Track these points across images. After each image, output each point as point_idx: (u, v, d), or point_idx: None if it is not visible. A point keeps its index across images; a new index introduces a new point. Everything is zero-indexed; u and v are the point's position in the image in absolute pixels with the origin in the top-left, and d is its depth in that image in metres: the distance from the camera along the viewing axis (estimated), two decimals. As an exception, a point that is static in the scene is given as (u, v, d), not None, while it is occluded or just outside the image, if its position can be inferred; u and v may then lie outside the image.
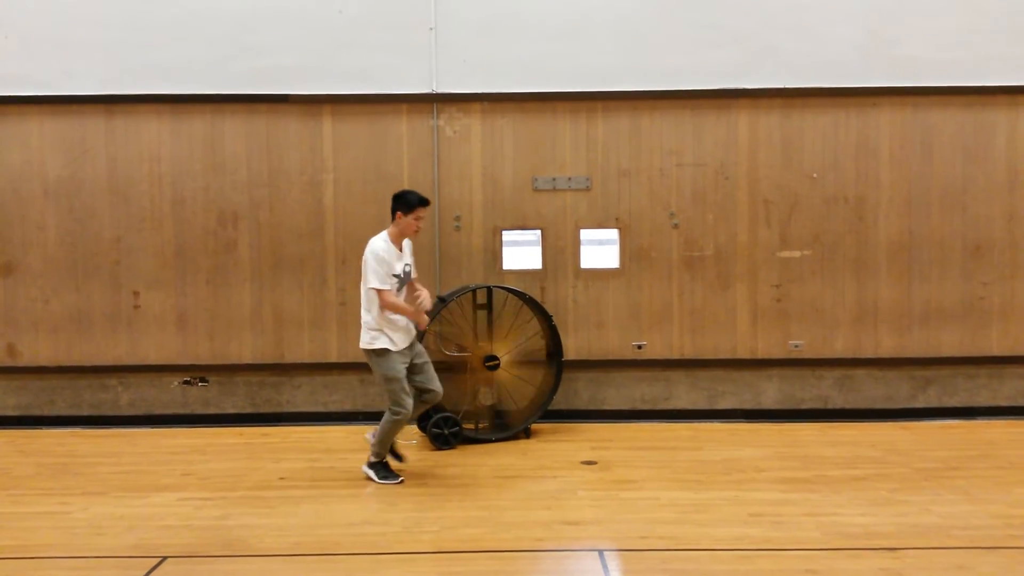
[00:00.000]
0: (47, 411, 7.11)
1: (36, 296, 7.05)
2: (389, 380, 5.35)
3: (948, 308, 7.04)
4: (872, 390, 7.11)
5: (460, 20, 6.95)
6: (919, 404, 7.10)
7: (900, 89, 6.95)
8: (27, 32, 6.92)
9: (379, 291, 5.28)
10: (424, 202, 5.43)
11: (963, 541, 4.44)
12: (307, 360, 7.07)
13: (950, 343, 7.05)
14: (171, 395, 7.12)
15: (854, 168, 7.02)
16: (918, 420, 6.99)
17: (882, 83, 6.95)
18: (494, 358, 6.58)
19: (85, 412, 7.11)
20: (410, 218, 5.39)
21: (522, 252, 7.30)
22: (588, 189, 7.04)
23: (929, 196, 7.02)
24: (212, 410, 7.12)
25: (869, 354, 7.07)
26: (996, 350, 7.06)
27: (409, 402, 5.38)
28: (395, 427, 5.45)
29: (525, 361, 6.77)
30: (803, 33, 6.95)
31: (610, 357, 7.08)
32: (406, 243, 5.56)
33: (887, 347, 7.07)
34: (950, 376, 7.09)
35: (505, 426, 6.62)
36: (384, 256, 5.31)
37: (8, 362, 7.07)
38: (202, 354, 7.07)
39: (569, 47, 6.96)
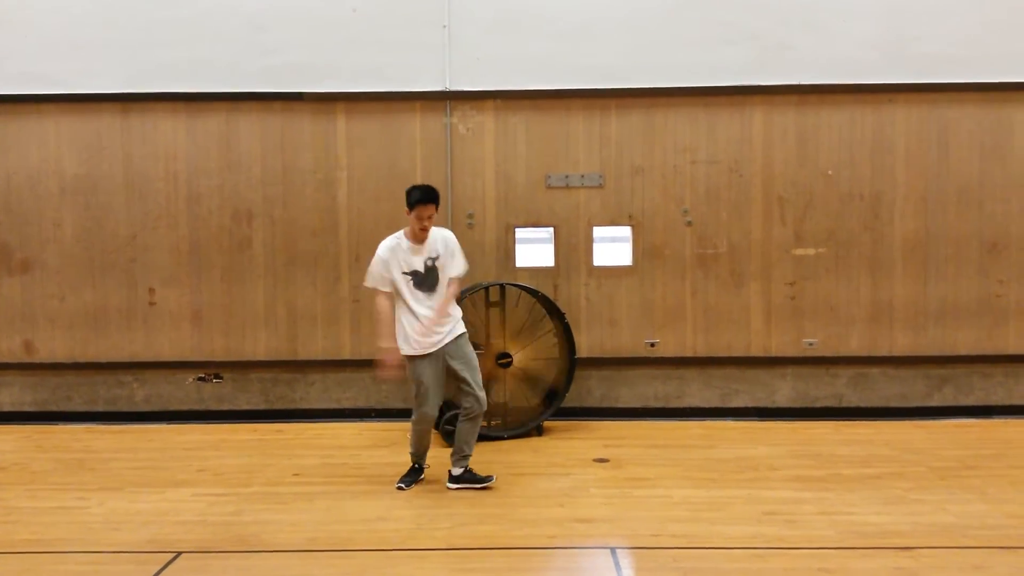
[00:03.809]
0: (63, 407, 7.18)
1: (53, 293, 7.11)
2: (412, 382, 5.27)
3: (964, 306, 6.99)
4: (887, 388, 7.06)
5: (473, 18, 6.95)
6: (934, 403, 7.06)
7: (916, 86, 6.90)
8: (44, 32, 6.98)
9: (373, 290, 5.22)
10: (423, 200, 5.04)
11: (979, 541, 4.41)
12: (320, 357, 7.10)
13: (966, 341, 7.00)
14: (186, 391, 7.17)
15: (870, 165, 6.97)
16: (933, 419, 6.94)
17: (898, 80, 6.90)
18: (507, 355, 6.58)
19: (101, 408, 7.17)
20: (412, 216, 5.10)
21: (535, 249, 7.30)
22: (601, 186, 7.03)
23: (945, 193, 6.96)
24: (226, 406, 7.16)
25: (884, 352, 7.03)
26: (1013, 348, 7.00)
27: (425, 409, 5.21)
28: (414, 430, 5.35)
29: (537, 358, 6.76)
30: (818, 30, 6.90)
31: (623, 355, 7.07)
32: (440, 236, 5.22)
33: (902, 345, 7.02)
34: (966, 375, 7.04)
35: (517, 423, 6.62)
36: (383, 255, 5.14)
37: (25, 358, 7.14)
38: (217, 351, 7.11)
39: (582, 45, 6.95)
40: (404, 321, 5.17)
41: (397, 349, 5.16)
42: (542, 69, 6.95)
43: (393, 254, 5.15)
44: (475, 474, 5.32)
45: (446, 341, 5.19)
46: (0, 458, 6.13)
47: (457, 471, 5.32)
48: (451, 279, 5.23)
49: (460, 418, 5.32)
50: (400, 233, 5.24)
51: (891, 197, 6.98)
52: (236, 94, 6.99)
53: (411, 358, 5.19)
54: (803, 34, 6.92)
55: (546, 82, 6.96)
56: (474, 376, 5.24)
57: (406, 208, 5.16)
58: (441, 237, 5.25)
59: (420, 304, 5.16)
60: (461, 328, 5.29)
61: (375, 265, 5.19)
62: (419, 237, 5.18)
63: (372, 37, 6.97)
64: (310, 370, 7.13)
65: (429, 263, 5.18)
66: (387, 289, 5.18)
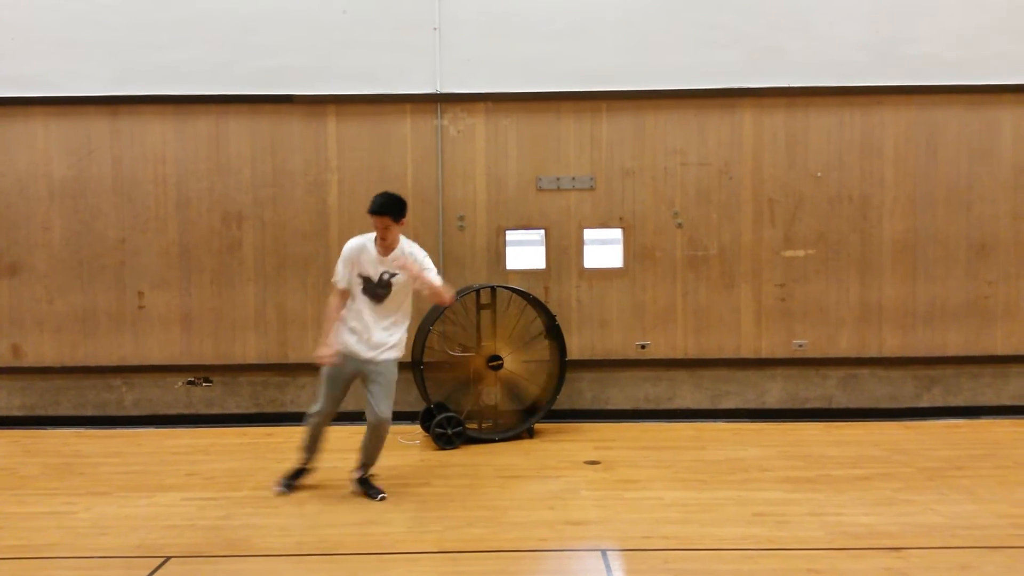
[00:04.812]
0: (52, 411, 7.14)
1: (41, 296, 7.07)
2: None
3: (953, 307, 7.02)
4: (876, 389, 7.09)
5: (464, 20, 6.95)
6: (923, 403, 7.09)
7: (904, 88, 6.94)
8: (32, 33, 6.95)
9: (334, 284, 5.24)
10: (376, 211, 5.01)
11: (967, 541, 4.43)
12: (311, 360, 7.03)
13: (955, 342, 7.04)
14: (175, 395, 7.14)
15: (859, 167, 7.00)
16: (922, 419, 6.98)
17: (886, 82, 6.94)
18: (498, 358, 6.58)
19: (90, 412, 7.13)
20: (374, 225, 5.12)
21: (526, 252, 7.30)
22: (592, 189, 7.04)
23: (934, 195, 7.00)
24: (216, 410, 7.13)
25: (873, 353, 7.06)
26: (1001, 349, 7.04)
27: (316, 406, 5.22)
28: (306, 425, 5.31)
29: (529, 361, 6.77)
30: (807, 33, 6.93)
31: (614, 357, 7.08)
32: (407, 251, 5.13)
33: (891, 346, 7.05)
34: (954, 375, 7.07)
35: (508, 426, 6.61)
36: (347, 253, 5.16)
37: (13, 362, 7.10)
38: (206, 354, 7.09)
39: (573, 47, 6.96)
40: (347, 317, 5.16)
41: (331, 350, 5.11)
42: (533, 71, 6.96)
43: (356, 254, 5.15)
44: (371, 485, 5.26)
45: (367, 357, 5.12)
46: (-12, 463, 6.11)
47: (355, 474, 5.31)
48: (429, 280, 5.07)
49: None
50: (372, 235, 5.20)
51: (880, 199, 7.01)
52: (226, 96, 6.97)
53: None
54: (792, 37, 6.95)
55: (537, 84, 6.97)
56: (375, 390, 5.10)
57: None
58: (407, 254, 5.13)
59: (364, 310, 5.11)
60: (393, 355, 5.17)
61: (340, 262, 5.21)
62: (381, 247, 5.13)
63: (362, 39, 6.96)
64: (300, 373, 7.11)
65: (386, 276, 5.11)
66: (345, 286, 5.20)
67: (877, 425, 6.82)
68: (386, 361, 5.15)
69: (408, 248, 5.19)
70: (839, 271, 7.03)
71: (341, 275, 5.21)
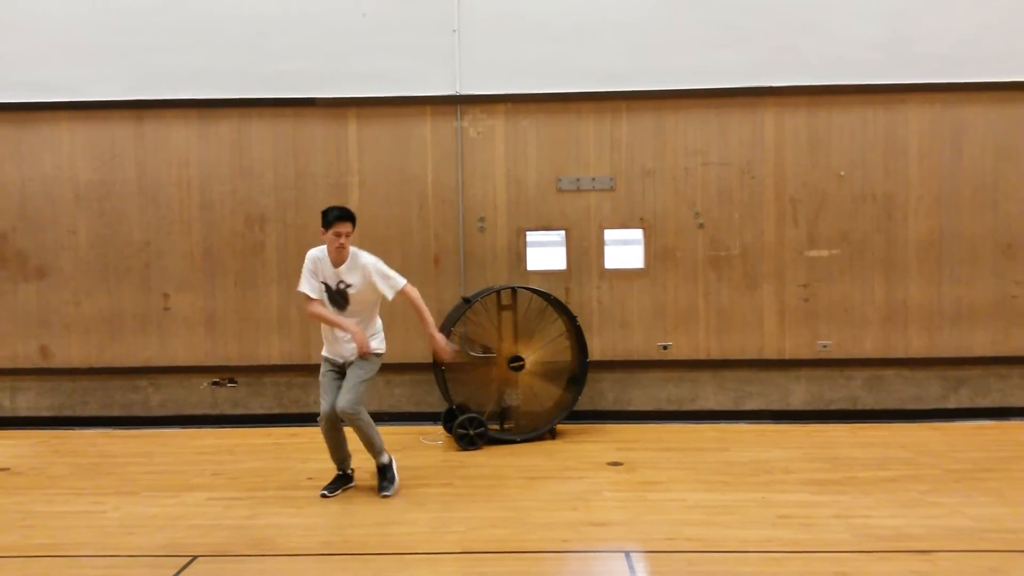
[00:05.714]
0: (79, 412, 7.23)
1: (68, 299, 7.17)
2: None
3: (979, 307, 6.93)
4: (902, 391, 7.02)
5: (483, 22, 6.96)
6: (950, 405, 7.00)
7: (928, 86, 6.86)
8: (55, 40, 7.03)
9: (305, 296, 5.27)
10: (342, 216, 5.11)
11: (996, 544, 4.37)
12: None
13: (982, 343, 6.94)
14: (200, 396, 7.21)
15: (882, 166, 6.94)
16: (949, 421, 6.89)
17: (909, 80, 6.86)
18: (519, 359, 6.58)
19: (116, 413, 7.22)
20: (330, 234, 5.11)
21: (546, 253, 7.30)
22: (612, 189, 7.02)
23: (959, 194, 6.92)
24: (241, 411, 7.19)
25: (899, 354, 6.98)
26: (1029, 350, 6.94)
27: (321, 405, 5.25)
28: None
29: (550, 362, 6.76)
30: (828, 32, 6.88)
31: (635, 358, 7.06)
32: (360, 264, 5.19)
33: (917, 347, 6.97)
34: (982, 376, 6.98)
35: (530, 427, 6.61)
36: (310, 264, 5.23)
37: (41, 364, 7.20)
38: (231, 355, 7.15)
39: (592, 47, 6.95)
40: (322, 326, 5.37)
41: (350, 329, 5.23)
42: (552, 72, 6.96)
43: (318, 264, 5.25)
44: (384, 476, 5.36)
45: (348, 359, 5.28)
46: (17, 463, 6.18)
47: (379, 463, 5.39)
48: (399, 292, 5.25)
49: None
50: (323, 248, 5.27)
51: (904, 198, 6.94)
52: (248, 100, 7.02)
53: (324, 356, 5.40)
54: (813, 35, 6.89)
55: (556, 85, 6.97)
56: (343, 383, 5.22)
57: (322, 228, 5.18)
58: (361, 265, 5.20)
59: (336, 314, 5.24)
60: (372, 349, 5.29)
61: (305, 272, 5.27)
62: (335, 257, 5.19)
63: (382, 42, 6.99)
64: (323, 374, 7.14)
65: (341, 286, 5.21)
66: (317, 296, 5.26)
67: (903, 427, 6.75)
68: (363, 358, 5.24)
69: (361, 261, 5.22)
70: (863, 271, 6.96)
71: (308, 285, 5.25)
